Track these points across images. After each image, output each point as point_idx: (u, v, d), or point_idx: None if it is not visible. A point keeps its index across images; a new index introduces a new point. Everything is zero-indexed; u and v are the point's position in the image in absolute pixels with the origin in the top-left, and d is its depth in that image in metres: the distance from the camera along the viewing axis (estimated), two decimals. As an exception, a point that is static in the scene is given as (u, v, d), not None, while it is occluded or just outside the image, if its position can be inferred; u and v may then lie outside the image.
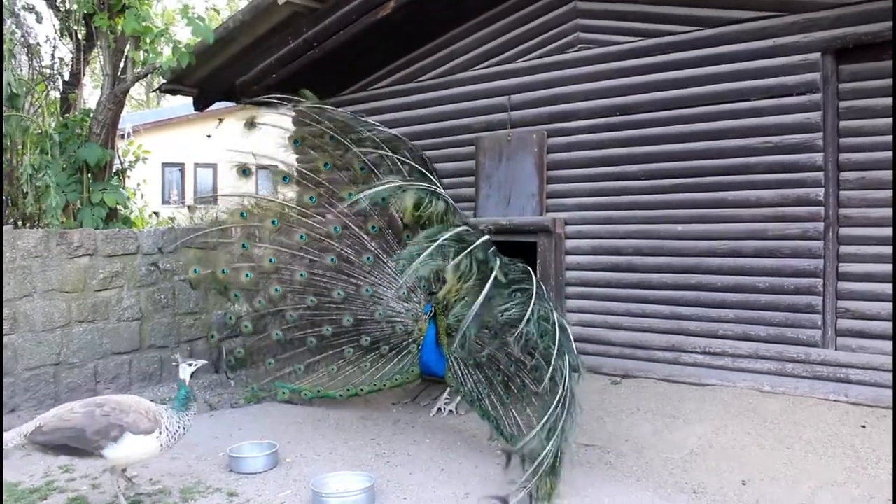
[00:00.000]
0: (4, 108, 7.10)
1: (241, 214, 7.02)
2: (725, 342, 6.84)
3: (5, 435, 4.43)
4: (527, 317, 4.69)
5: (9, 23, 7.67)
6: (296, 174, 7.08)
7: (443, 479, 5.06)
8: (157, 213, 10.58)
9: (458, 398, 6.54)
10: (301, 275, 6.82)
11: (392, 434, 6.12)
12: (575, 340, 7.58)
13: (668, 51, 7.10)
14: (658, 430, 5.91)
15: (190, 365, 4.87)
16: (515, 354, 5.76)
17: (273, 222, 6.92)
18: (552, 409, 4.60)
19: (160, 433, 4.51)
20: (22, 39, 8.42)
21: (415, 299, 6.74)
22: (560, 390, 4.65)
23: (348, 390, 6.70)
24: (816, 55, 6.34)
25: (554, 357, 4.69)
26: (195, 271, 6.97)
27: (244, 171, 6.95)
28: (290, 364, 7.01)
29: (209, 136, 7.19)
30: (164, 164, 20.16)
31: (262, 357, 7.11)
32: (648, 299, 7.31)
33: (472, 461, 5.44)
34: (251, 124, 6.86)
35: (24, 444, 4.40)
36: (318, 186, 6.91)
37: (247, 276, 6.87)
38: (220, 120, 7.34)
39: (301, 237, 6.84)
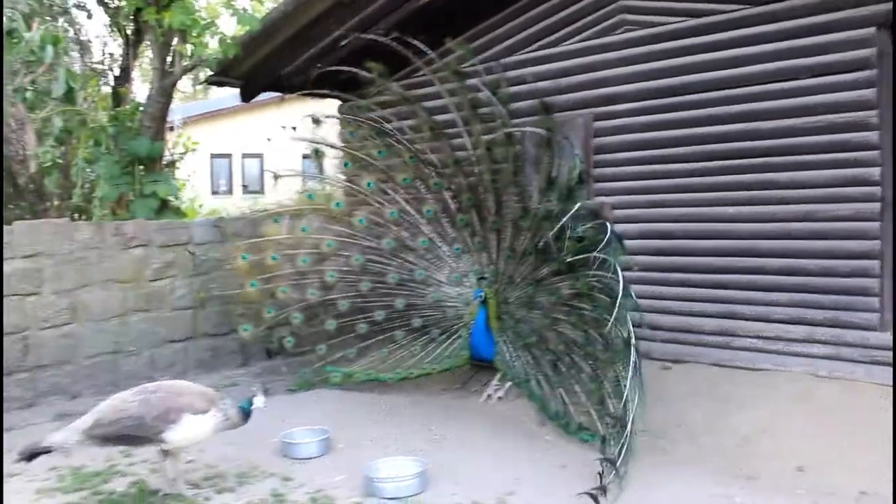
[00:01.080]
0: (61, 103, 7.29)
1: (309, 196, 7.18)
2: (779, 326, 6.73)
3: (57, 436, 4.41)
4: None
5: (61, 21, 7.85)
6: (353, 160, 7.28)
7: (495, 464, 5.09)
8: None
9: (508, 384, 6.57)
10: (356, 259, 6.91)
11: (443, 420, 6.16)
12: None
13: (715, 30, 6.97)
14: (710, 416, 5.85)
15: (263, 403, 4.81)
16: (567, 333, 5.86)
17: (337, 205, 7.03)
18: (631, 373, 4.79)
19: (216, 412, 4.57)
20: (74, 36, 8.62)
21: (466, 283, 6.81)
22: (633, 354, 4.85)
23: (398, 373, 6.78)
24: (871, 30, 6.15)
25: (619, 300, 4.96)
26: (244, 257, 6.97)
27: (316, 152, 7.25)
28: (342, 349, 7.08)
29: (292, 126, 7.41)
30: (212, 155, 20.46)
31: (312, 343, 7.15)
32: (698, 283, 7.22)
33: (522, 447, 5.46)
34: (317, 121, 7.19)
35: (82, 441, 4.39)
36: (376, 172, 7.09)
37: (303, 260, 6.95)
38: (294, 128, 7.52)
39: (360, 221, 6.94)
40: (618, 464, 4.55)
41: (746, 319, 6.92)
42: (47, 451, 4.36)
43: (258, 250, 7.00)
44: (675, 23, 7.20)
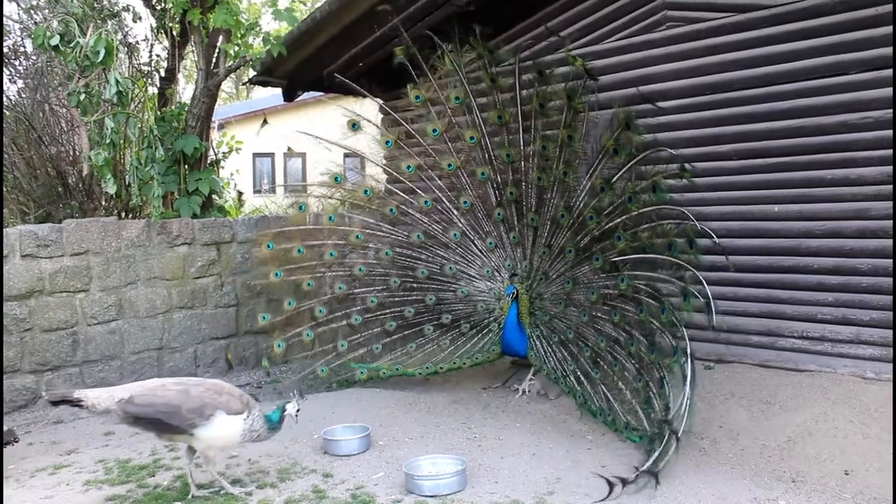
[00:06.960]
0: (113, 106, 7.44)
1: (336, 178, 7.15)
2: (825, 327, 6.60)
3: (91, 393, 4.43)
4: None
5: (110, 24, 8.01)
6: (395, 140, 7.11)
7: (534, 464, 5.08)
8: None
9: (544, 381, 6.58)
10: (386, 253, 6.90)
11: (482, 418, 6.17)
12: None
13: (760, 26, 6.86)
14: (753, 417, 5.76)
15: (297, 411, 4.84)
16: (608, 331, 5.87)
17: (365, 192, 7.04)
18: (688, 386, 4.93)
19: (248, 416, 4.57)
20: (122, 39, 8.78)
21: (498, 278, 6.78)
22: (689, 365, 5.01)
23: (427, 368, 6.77)
24: (920, 22, 6.00)
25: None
26: (269, 246, 6.94)
27: (353, 125, 7.04)
28: (366, 345, 7.05)
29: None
30: (255, 155, 20.69)
31: (332, 339, 7.03)
32: (742, 283, 7.11)
33: (562, 446, 5.44)
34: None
35: (110, 410, 4.38)
36: (419, 155, 6.94)
37: (331, 254, 6.93)
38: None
39: (391, 210, 6.93)
40: (658, 470, 4.55)
41: (791, 319, 6.80)
42: (77, 402, 4.38)
43: (284, 239, 6.98)
44: (719, 18, 7.10)
